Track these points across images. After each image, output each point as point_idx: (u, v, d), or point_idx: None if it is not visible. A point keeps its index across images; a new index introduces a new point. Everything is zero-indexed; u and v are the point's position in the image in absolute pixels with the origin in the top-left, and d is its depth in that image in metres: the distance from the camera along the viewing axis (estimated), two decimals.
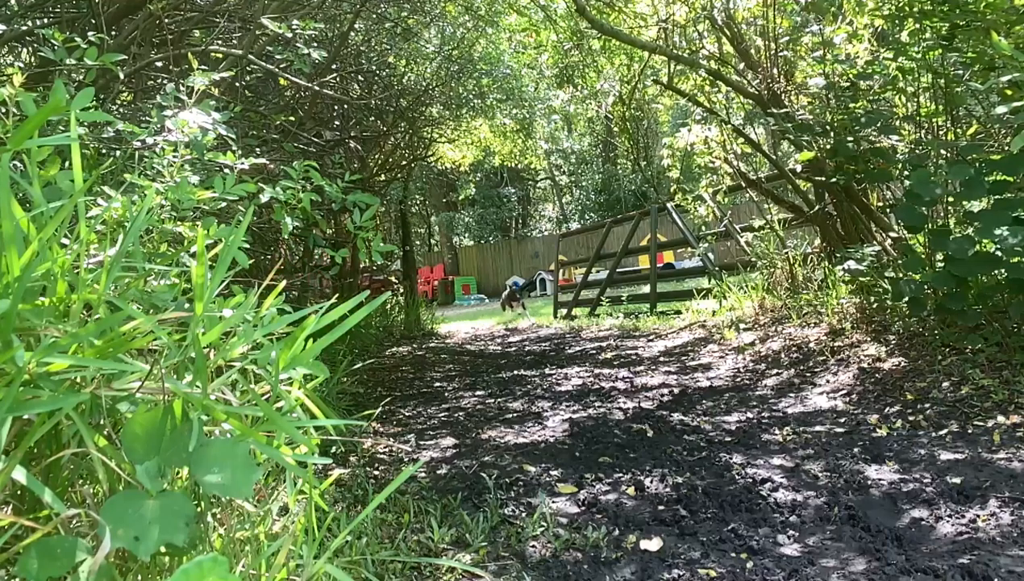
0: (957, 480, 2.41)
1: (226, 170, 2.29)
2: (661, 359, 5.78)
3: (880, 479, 2.52)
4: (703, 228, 8.23)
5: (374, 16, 6.58)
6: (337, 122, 7.56)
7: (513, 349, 7.90)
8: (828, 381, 4.01)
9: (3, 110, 1.67)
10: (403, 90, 7.98)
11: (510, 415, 4.23)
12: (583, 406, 4.27)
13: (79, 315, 1.29)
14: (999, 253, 3.33)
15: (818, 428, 3.28)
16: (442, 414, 4.44)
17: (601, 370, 5.53)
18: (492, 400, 4.77)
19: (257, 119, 4.64)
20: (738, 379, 4.59)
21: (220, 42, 4.13)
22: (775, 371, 4.53)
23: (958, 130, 4.20)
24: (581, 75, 9.03)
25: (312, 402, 1.51)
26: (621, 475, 2.87)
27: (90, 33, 2.40)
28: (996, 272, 3.47)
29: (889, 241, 4.68)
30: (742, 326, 5.98)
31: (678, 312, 8.23)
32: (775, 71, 5.53)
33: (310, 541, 1.50)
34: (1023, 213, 3.31)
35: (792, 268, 5.87)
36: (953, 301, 3.51)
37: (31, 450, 1.21)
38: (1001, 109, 3.42)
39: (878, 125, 4.19)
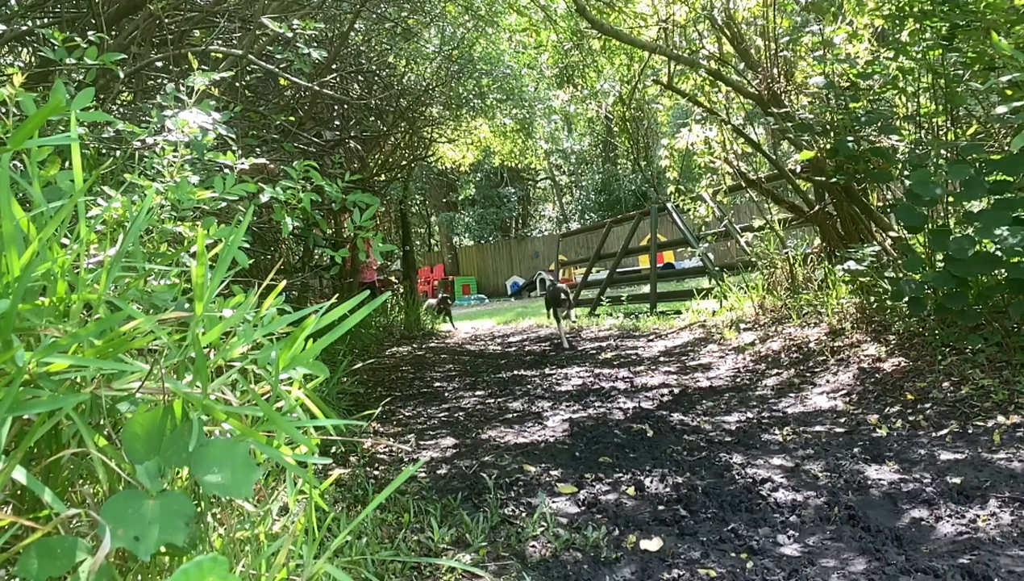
0: (957, 480, 2.41)
1: (226, 170, 2.29)
2: (661, 359, 5.78)
3: (880, 479, 2.52)
4: (703, 228, 8.23)
5: (374, 16, 6.57)
6: (337, 122, 7.56)
7: (513, 349, 7.90)
8: (828, 381, 4.01)
9: (3, 110, 1.67)
10: (403, 90, 7.98)
11: (510, 415, 4.23)
12: (583, 406, 4.27)
13: (79, 315, 1.29)
14: (999, 253, 3.33)
15: (818, 428, 3.28)
16: (442, 414, 4.44)
17: (601, 370, 5.53)
18: (492, 400, 4.77)
19: (257, 119, 4.64)
20: (738, 379, 4.59)
21: (220, 42, 4.13)
22: (775, 371, 4.53)
23: (958, 130, 4.20)
24: (581, 75, 9.02)
25: (312, 402, 1.51)
26: (621, 475, 2.87)
27: (90, 33, 2.40)
28: (996, 272, 3.47)
29: (889, 241, 4.68)
30: (742, 326, 5.98)
31: (678, 312, 8.23)
32: (775, 71, 5.53)
33: (310, 541, 1.50)
34: (1023, 213, 3.31)
35: (792, 268, 5.87)
36: (953, 301, 3.51)
37: (31, 450, 1.21)
38: (1001, 109, 3.42)
39: (878, 125, 4.19)
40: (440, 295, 13.24)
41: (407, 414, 4.50)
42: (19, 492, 1.20)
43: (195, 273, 1.30)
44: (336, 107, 7.24)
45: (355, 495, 2.71)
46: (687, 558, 2.08)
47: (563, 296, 7.55)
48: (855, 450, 2.87)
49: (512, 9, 8.30)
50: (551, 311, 8.12)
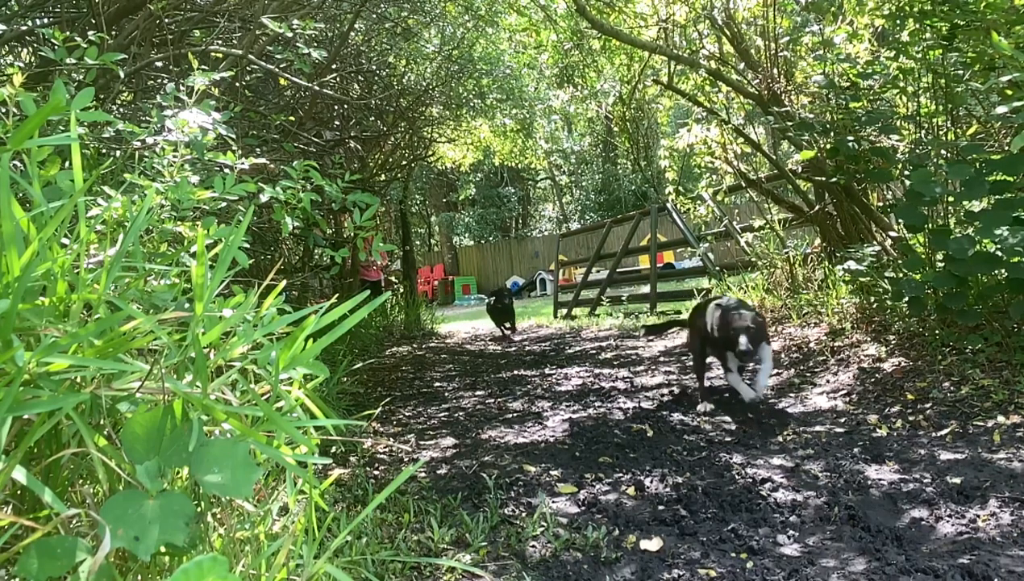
0: (957, 480, 2.41)
1: (226, 170, 2.29)
2: (661, 359, 5.78)
3: (880, 479, 2.52)
4: (703, 228, 8.22)
5: (374, 16, 6.57)
6: (337, 122, 7.56)
7: (513, 349, 7.90)
8: (828, 381, 4.01)
9: (3, 110, 1.67)
10: (403, 90, 7.97)
11: (510, 415, 4.23)
12: (583, 406, 4.27)
13: (79, 315, 1.29)
14: (999, 253, 3.33)
15: (818, 428, 3.27)
16: (442, 414, 4.44)
17: (601, 370, 5.53)
18: (492, 400, 4.77)
19: (257, 119, 4.64)
20: None
21: (220, 42, 4.13)
22: (775, 371, 4.53)
23: (958, 130, 4.20)
24: (581, 75, 9.03)
25: (312, 402, 1.51)
26: (621, 475, 2.87)
27: (90, 33, 2.40)
28: (996, 272, 3.46)
29: (889, 241, 4.68)
30: None
31: (678, 312, 8.22)
32: (775, 71, 5.52)
33: (310, 541, 1.49)
34: (1023, 213, 3.31)
35: (792, 268, 5.86)
36: (953, 301, 3.51)
37: (31, 450, 1.21)
38: (1001, 109, 3.42)
39: (878, 125, 4.18)
40: (499, 291, 9.45)
41: (407, 414, 4.50)
42: (19, 492, 1.20)
43: (195, 273, 1.30)
44: (336, 107, 7.23)
45: (355, 495, 2.71)
46: (687, 558, 2.08)
47: (749, 328, 3.43)
48: (855, 450, 2.87)
49: (512, 9, 8.30)
50: (724, 359, 3.77)
